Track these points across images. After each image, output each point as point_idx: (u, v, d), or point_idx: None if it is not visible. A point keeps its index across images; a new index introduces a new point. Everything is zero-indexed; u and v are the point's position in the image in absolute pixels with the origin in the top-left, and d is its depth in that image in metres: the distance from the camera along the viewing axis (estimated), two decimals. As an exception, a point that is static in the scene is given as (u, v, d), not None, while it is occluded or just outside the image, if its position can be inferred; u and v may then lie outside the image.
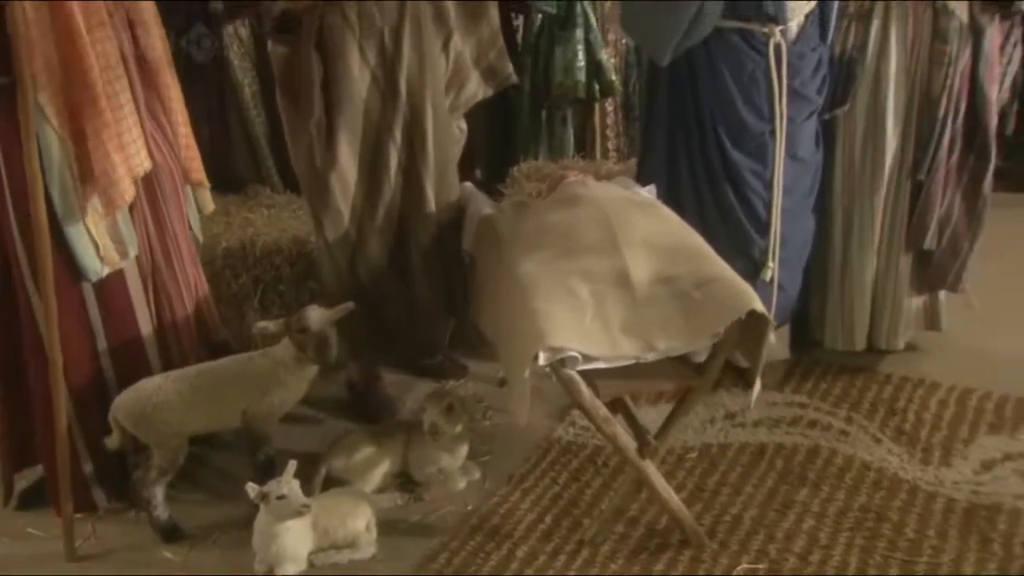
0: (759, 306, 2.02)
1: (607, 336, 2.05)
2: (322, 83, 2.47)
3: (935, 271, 2.84)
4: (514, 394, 2.10)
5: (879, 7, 2.62)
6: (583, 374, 2.08)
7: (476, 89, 2.72)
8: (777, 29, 2.49)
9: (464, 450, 2.48)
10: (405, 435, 2.49)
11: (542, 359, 1.98)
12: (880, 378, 2.88)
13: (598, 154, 3.54)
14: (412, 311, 2.72)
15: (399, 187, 2.60)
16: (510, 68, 2.75)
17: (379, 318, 2.70)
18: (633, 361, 2.08)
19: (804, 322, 2.99)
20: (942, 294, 2.94)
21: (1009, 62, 3.84)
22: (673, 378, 2.19)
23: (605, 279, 2.14)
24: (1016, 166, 4.17)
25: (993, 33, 2.66)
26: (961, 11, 2.60)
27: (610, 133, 3.58)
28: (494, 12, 2.65)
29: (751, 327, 2.06)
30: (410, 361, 2.94)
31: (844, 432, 2.63)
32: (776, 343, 2.82)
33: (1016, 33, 3.77)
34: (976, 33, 2.63)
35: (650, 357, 2.08)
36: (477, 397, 2.83)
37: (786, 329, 2.91)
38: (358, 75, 2.48)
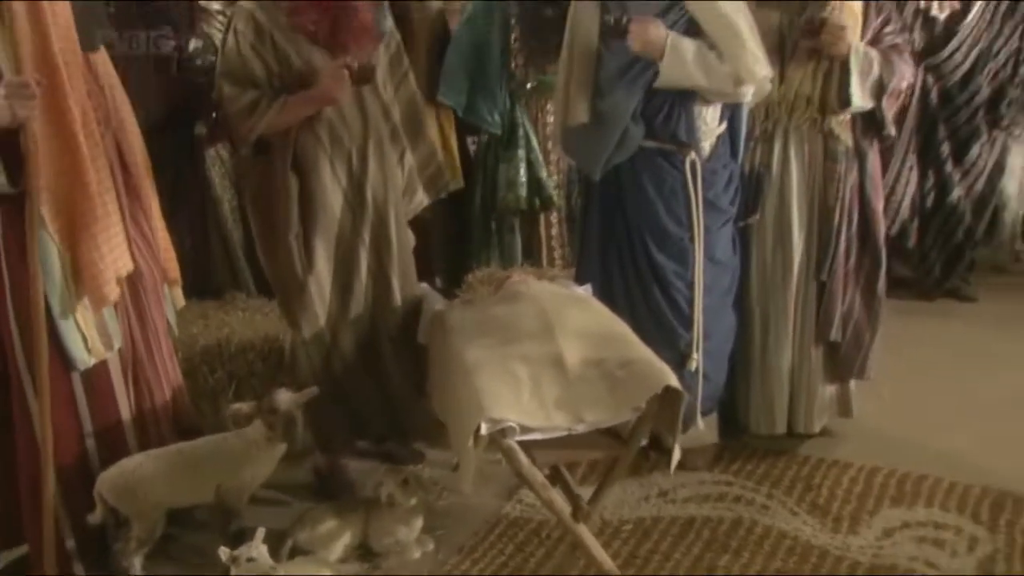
0: (674, 382, 2.32)
1: (542, 410, 2.34)
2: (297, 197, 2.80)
3: (842, 361, 3.16)
4: (461, 462, 2.36)
5: (780, 131, 3.03)
6: (522, 445, 2.36)
7: (422, 197, 3.08)
8: (691, 149, 2.88)
9: (419, 523, 2.72)
10: (365, 510, 2.72)
11: (484, 429, 2.26)
12: (799, 459, 3.16)
13: (544, 262, 3.88)
14: (386, 398, 2.99)
15: (369, 286, 2.90)
16: (446, 178, 3.12)
17: (353, 409, 2.97)
18: (566, 432, 2.35)
19: (732, 409, 3.28)
20: (852, 384, 3.25)
21: (907, 184, 4.32)
22: (602, 449, 2.48)
23: (541, 362, 2.43)
24: (921, 276, 4.59)
25: (874, 155, 3.07)
26: (846, 136, 3.01)
27: (555, 244, 3.92)
28: (431, 131, 3.04)
29: (668, 401, 2.36)
30: (371, 448, 3.18)
31: (765, 506, 2.90)
32: (705, 429, 3.14)
33: (911, 159, 4.27)
34: (860, 155, 3.04)
35: (580, 429, 2.36)
36: (432, 480, 3.07)
37: (714, 416, 3.19)
38: (330, 189, 2.81)
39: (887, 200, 4.27)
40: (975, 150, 4.31)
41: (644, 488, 3.01)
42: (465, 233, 3.99)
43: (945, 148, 4.29)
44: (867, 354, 3.17)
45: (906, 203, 4.30)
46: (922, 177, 4.36)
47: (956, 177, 4.35)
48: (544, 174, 3.78)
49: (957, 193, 4.36)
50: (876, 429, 3.31)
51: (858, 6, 2.98)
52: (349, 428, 3.02)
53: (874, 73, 2.91)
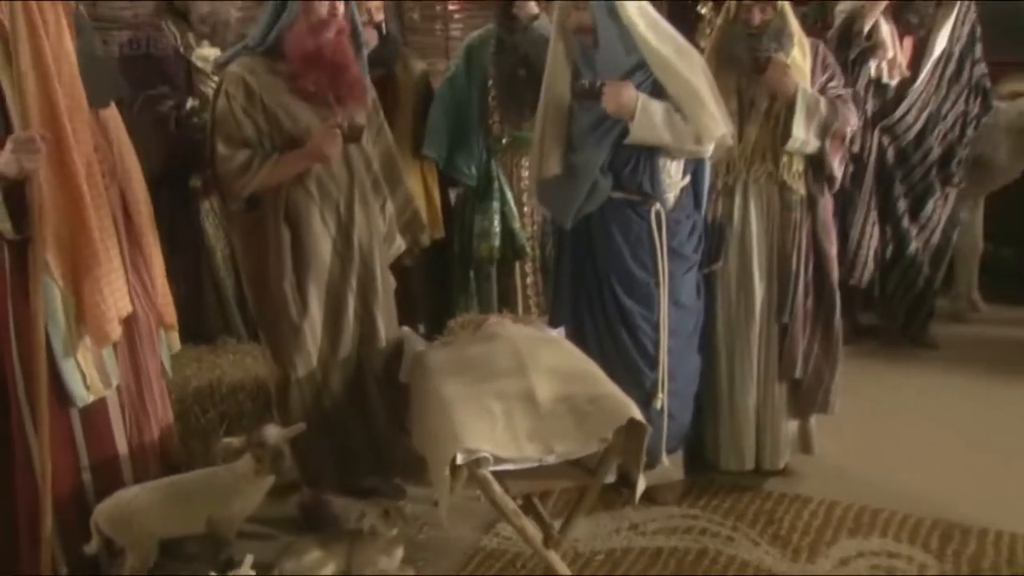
0: (637, 414, 2.49)
1: (514, 442, 2.50)
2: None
3: (805, 396, 3.34)
4: (438, 491, 2.52)
5: (740, 184, 3.25)
6: (496, 476, 2.51)
7: (401, 243, 3.26)
8: (656, 200, 3.08)
9: (400, 553, 2.85)
10: (348, 541, 2.85)
11: (460, 459, 2.42)
12: (763, 495, 3.32)
13: (520, 309, 4.04)
14: (371, 436, 3.14)
15: (356, 328, 3.07)
16: (422, 223, 3.34)
17: (340, 445, 3.12)
18: (537, 463, 2.52)
19: (700, 447, 3.44)
20: (813, 423, 3.42)
21: (871, 238, 4.56)
22: (572, 479, 2.64)
23: (514, 398, 2.60)
24: (886, 324, 4.79)
25: (825, 203, 3.28)
26: (799, 187, 3.23)
27: (530, 292, 4.08)
28: (406, 180, 3.26)
29: (633, 433, 2.53)
30: (355, 484, 3.31)
31: (730, 538, 3.05)
32: (672, 466, 3.30)
33: (873, 215, 4.51)
34: (812, 204, 3.25)
35: (550, 459, 2.52)
36: (414, 515, 3.20)
37: (680, 453, 3.35)
38: (321, 238, 2.98)
39: (855, 254, 4.52)
40: (930, 206, 4.55)
41: (615, 521, 3.16)
42: (446, 281, 4.16)
43: (902, 204, 4.53)
44: (828, 388, 3.35)
45: (871, 256, 4.52)
46: (883, 232, 4.59)
47: (913, 231, 4.57)
48: (517, 225, 3.95)
49: (915, 246, 4.58)
50: (837, 466, 3.48)
51: (807, 64, 3.22)
52: (335, 464, 3.16)
53: (820, 113, 3.13)
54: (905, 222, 4.55)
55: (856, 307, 4.71)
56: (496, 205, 3.94)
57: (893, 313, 4.75)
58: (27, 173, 2.43)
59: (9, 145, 2.40)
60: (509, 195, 3.94)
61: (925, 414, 3.97)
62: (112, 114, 2.71)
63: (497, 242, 3.91)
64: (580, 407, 2.58)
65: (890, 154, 4.47)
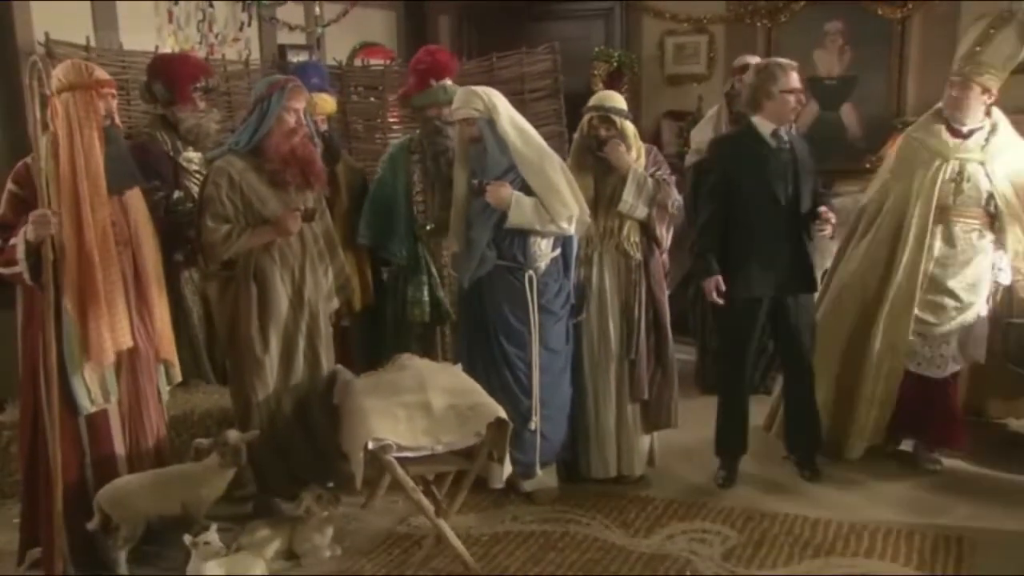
0: (502, 414, 3.44)
1: (412, 435, 3.43)
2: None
3: (653, 413, 4.28)
4: (354, 469, 3.41)
5: (596, 255, 4.24)
6: (400, 462, 3.43)
7: (335, 302, 4.21)
8: (529, 268, 4.07)
9: (331, 532, 3.73)
10: (291, 524, 3.74)
11: (370, 445, 3.34)
12: (620, 495, 4.23)
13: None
14: (316, 451, 4.00)
15: (303, 363, 3.98)
16: (352, 287, 4.30)
17: (290, 457, 3.98)
18: (430, 451, 3.45)
19: (576, 462, 4.35)
20: (656, 441, 4.36)
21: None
22: (456, 464, 3.56)
23: (414, 406, 3.52)
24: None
25: (656, 264, 4.26)
26: (637, 254, 4.21)
27: (448, 349, 4.99)
28: (340, 252, 4.21)
29: (500, 429, 3.47)
30: (296, 491, 4.17)
31: (588, 523, 3.96)
32: (546, 476, 4.20)
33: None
34: (647, 267, 4.24)
35: (439, 449, 3.45)
36: (344, 514, 4.05)
37: (554, 467, 4.24)
38: (280, 294, 3.89)
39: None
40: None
41: (501, 515, 4.07)
42: (379, 341, 5.08)
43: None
44: (669, 407, 4.30)
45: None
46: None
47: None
48: (441, 294, 4.87)
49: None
50: (677, 474, 4.44)
51: (638, 145, 4.24)
52: (285, 474, 4.02)
53: (647, 187, 4.13)
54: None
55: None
56: (424, 278, 4.79)
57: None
58: (41, 239, 3.30)
59: (30, 218, 3.29)
60: (434, 270, 4.81)
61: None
62: (135, 195, 3.63)
63: (427, 308, 4.80)
64: (463, 412, 3.52)
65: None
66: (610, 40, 7.29)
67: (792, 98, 4.14)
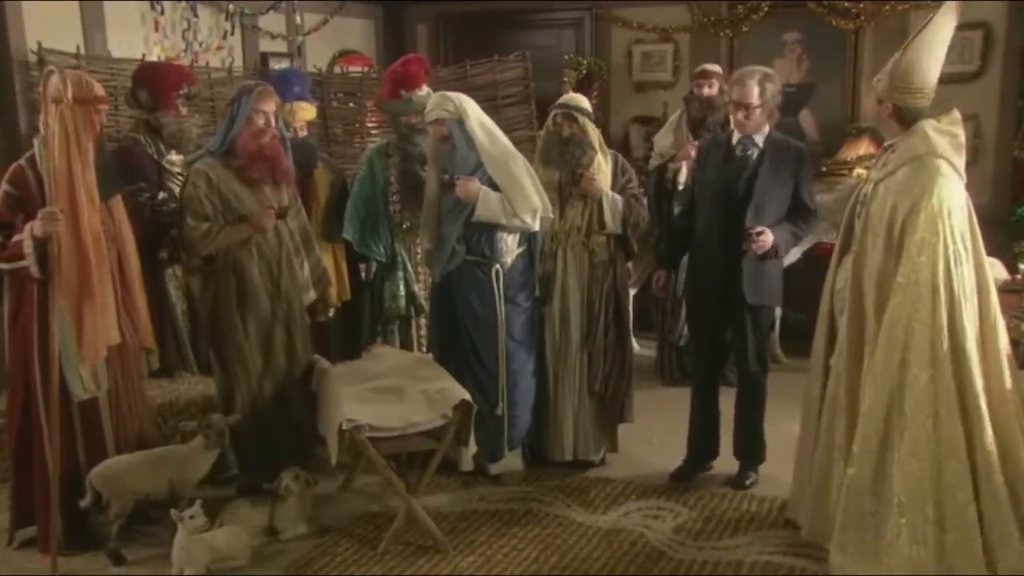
0: (467, 397, 3.71)
1: (383, 417, 3.69)
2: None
3: (608, 408, 4.55)
4: (329, 447, 3.67)
5: (561, 250, 4.50)
6: (372, 441, 3.68)
7: (312, 293, 4.46)
8: (495, 262, 4.34)
9: (307, 510, 3.98)
10: (271, 501, 3.98)
11: (345, 425, 3.59)
12: (582, 478, 4.49)
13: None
14: (294, 433, 4.26)
15: (282, 350, 4.24)
16: (328, 280, 4.54)
17: (270, 439, 4.23)
18: (400, 432, 3.70)
19: (540, 446, 4.62)
20: (620, 429, 4.64)
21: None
22: (424, 445, 3.82)
23: (388, 392, 3.80)
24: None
25: (621, 265, 4.55)
26: (604, 253, 4.48)
27: (423, 341, 5.27)
28: (316, 247, 4.46)
29: (465, 412, 3.73)
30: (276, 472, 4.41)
31: (550, 503, 4.23)
32: (512, 459, 4.47)
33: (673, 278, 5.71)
34: (614, 265, 4.51)
35: (410, 430, 3.71)
36: (322, 494, 4.30)
37: (519, 450, 4.51)
38: (259, 286, 4.16)
39: (673, 318, 5.79)
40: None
41: (469, 495, 4.33)
42: (357, 335, 5.33)
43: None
44: (623, 403, 4.57)
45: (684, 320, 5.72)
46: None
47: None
48: (417, 289, 5.13)
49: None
50: (639, 459, 4.70)
51: (608, 168, 4.53)
52: (266, 456, 4.27)
53: (619, 209, 4.41)
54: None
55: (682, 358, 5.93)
56: (401, 274, 5.06)
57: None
58: (48, 234, 3.55)
59: (39, 215, 3.56)
60: (410, 266, 5.08)
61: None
62: (117, 202, 3.89)
63: (403, 303, 5.05)
64: (431, 395, 3.79)
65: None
66: (580, 48, 7.57)
67: (736, 110, 4.13)
